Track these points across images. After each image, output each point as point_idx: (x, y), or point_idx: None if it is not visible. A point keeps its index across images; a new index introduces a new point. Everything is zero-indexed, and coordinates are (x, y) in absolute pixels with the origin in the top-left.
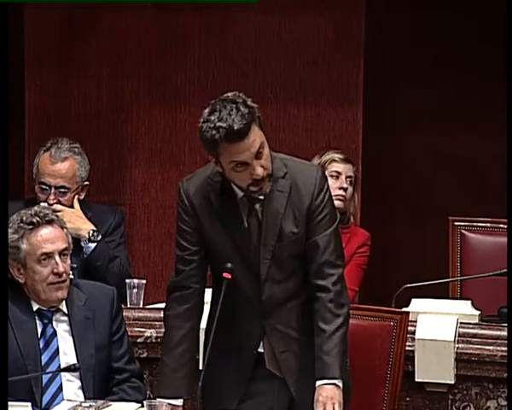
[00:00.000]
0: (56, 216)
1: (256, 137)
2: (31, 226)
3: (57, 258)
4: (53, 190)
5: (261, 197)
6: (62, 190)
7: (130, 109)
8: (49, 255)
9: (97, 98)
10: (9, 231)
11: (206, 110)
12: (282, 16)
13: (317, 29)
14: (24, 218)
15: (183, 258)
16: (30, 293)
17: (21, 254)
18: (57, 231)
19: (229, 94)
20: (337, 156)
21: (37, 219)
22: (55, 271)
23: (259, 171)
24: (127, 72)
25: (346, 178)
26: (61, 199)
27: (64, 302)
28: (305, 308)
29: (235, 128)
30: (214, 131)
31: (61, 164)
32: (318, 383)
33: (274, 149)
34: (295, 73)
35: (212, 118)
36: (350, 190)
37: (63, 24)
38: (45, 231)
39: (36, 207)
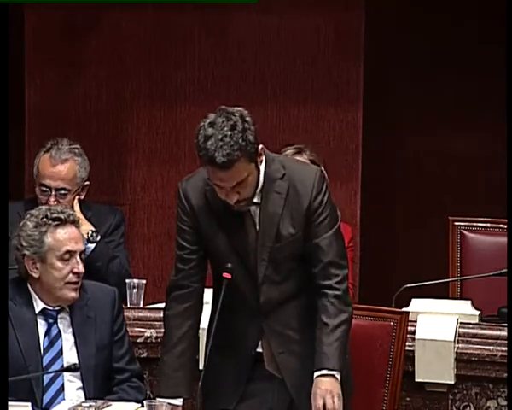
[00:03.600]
0: (77, 216)
1: (239, 171)
2: (57, 222)
3: (78, 258)
4: (53, 192)
5: (255, 200)
6: (62, 191)
7: (130, 109)
8: (71, 254)
9: (97, 98)
10: (29, 224)
11: (210, 117)
12: (282, 16)
13: (317, 29)
14: (48, 213)
15: (182, 257)
16: (41, 290)
17: (44, 248)
18: (78, 232)
19: (237, 113)
20: (288, 151)
21: (64, 216)
22: (75, 270)
23: (233, 198)
24: (127, 72)
25: None
26: (61, 201)
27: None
28: (304, 309)
29: (216, 161)
30: (202, 146)
31: (61, 166)
32: (316, 373)
33: (274, 149)
34: (295, 73)
35: (208, 131)
36: None
37: (63, 24)
38: (70, 230)
39: (60, 206)
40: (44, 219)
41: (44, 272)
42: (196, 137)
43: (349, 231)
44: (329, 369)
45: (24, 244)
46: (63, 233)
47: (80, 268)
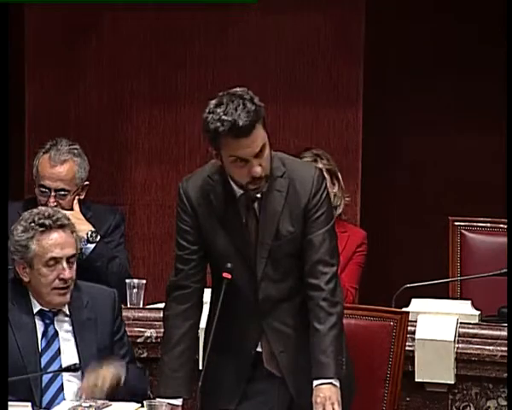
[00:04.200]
0: (68, 220)
1: (259, 136)
2: (42, 228)
3: (64, 264)
4: (53, 193)
5: (258, 195)
6: (62, 192)
7: (130, 109)
8: (57, 260)
9: (97, 98)
10: (18, 228)
11: (213, 102)
12: (282, 16)
13: (317, 29)
14: (36, 218)
15: (182, 257)
16: (33, 293)
17: (30, 254)
18: (67, 237)
19: (238, 89)
20: (305, 159)
21: (50, 222)
22: (61, 276)
23: (258, 169)
24: (127, 72)
25: None
26: (61, 202)
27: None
28: (303, 307)
29: (240, 124)
30: (219, 123)
31: (61, 167)
32: (315, 383)
33: (274, 148)
34: (295, 73)
35: (218, 110)
36: None
37: (63, 24)
38: (56, 236)
39: (50, 210)
40: (32, 224)
41: (33, 277)
42: (205, 121)
43: (361, 236)
44: (327, 378)
45: (12, 249)
46: (48, 239)
47: (66, 274)
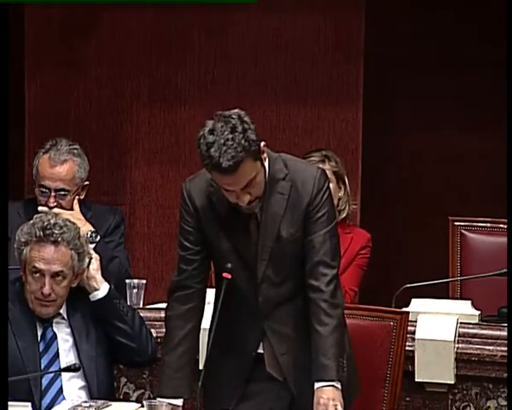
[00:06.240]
0: (66, 231)
1: (246, 172)
2: (37, 238)
3: (47, 279)
4: (53, 193)
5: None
6: (62, 192)
7: (130, 109)
8: (40, 272)
9: (97, 98)
10: (24, 228)
11: (208, 125)
12: (282, 16)
13: (317, 29)
14: (37, 226)
15: (185, 258)
16: None
17: (22, 257)
18: (58, 254)
19: (234, 115)
20: (313, 159)
21: (44, 234)
22: (42, 290)
23: (244, 199)
24: (127, 72)
25: None
26: (61, 202)
27: (64, 306)
28: (304, 309)
29: (223, 166)
30: (206, 154)
31: (61, 167)
32: (317, 385)
33: (274, 149)
34: (295, 73)
35: (209, 140)
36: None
37: (63, 24)
38: (46, 250)
39: (52, 220)
40: (32, 230)
41: (25, 280)
42: (198, 147)
43: (365, 239)
44: (329, 380)
45: (15, 246)
46: (36, 251)
47: (46, 290)
